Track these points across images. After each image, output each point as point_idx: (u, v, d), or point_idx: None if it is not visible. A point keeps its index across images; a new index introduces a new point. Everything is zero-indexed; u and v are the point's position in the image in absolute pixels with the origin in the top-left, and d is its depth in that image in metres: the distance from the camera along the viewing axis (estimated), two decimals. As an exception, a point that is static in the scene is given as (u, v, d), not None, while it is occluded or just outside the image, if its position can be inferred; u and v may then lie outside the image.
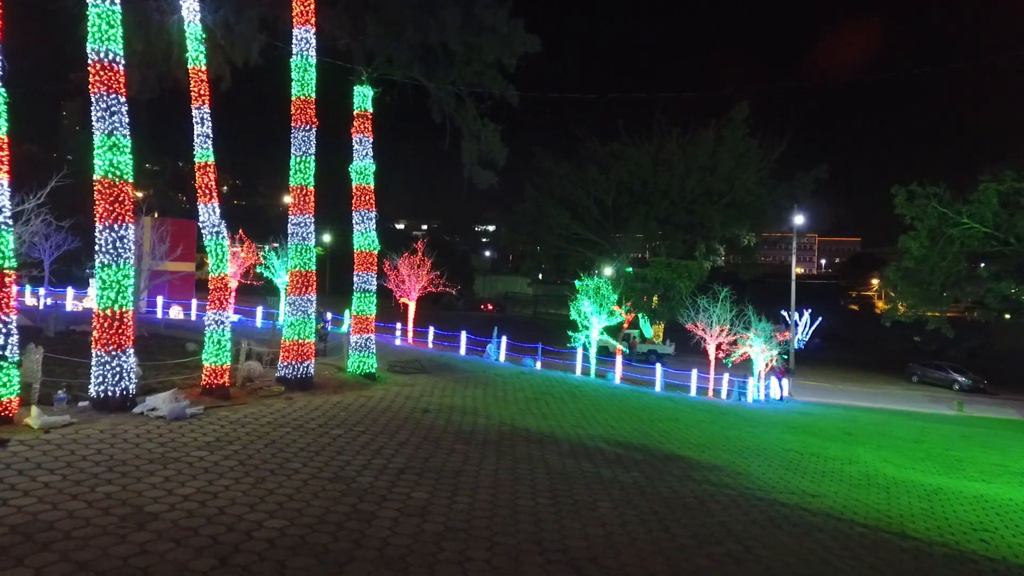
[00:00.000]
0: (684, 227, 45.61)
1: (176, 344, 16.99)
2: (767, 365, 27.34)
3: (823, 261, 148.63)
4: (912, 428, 21.03)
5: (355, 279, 16.35)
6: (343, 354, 16.38)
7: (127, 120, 10.51)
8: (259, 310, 25.31)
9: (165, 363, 13.98)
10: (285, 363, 13.63)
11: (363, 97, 16.37)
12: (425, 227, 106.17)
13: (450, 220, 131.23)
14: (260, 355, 15.77)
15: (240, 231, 27.57)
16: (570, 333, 23.84)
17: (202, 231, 12.33)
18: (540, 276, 79.78)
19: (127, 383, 10.15)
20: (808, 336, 46.82)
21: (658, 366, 23.57)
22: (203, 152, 12.39)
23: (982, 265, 30.21)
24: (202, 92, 12.47)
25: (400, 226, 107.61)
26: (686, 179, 44.43)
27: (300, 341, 13.69)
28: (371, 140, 16.41)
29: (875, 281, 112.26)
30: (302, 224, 13.94)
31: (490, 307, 69.74)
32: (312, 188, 14.08)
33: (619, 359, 24.11)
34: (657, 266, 28.79)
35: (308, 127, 13.95)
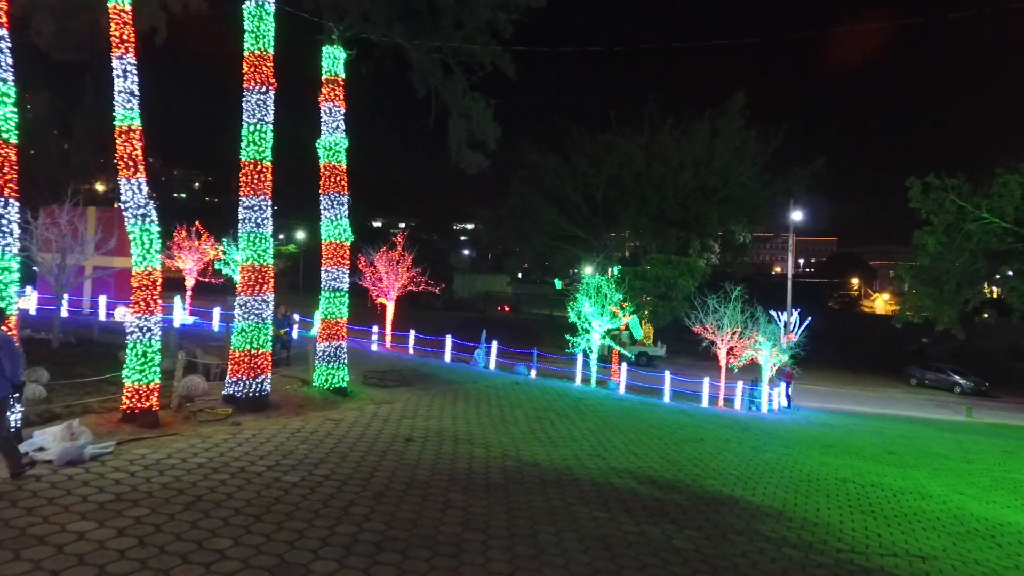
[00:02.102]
0: (678, 223, 43.43)
1: (108, 353, 14.26)
2: (775, 368, 25.22)
3: (800, 261, 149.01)
4: (947, 442, 19.03)
5: (323, 275, 13.80)
6: (309, 364, 13.81)
7: (10, 61, 7.89)
8: (216, 311, 22.51)
9: (84, 380, 11.33)
10: (234, 378, 11.07)
11: (333, 60, 13.82)
12: (403, 225, 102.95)
13: (428, 218, 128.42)
14: (208, 367, 13.16)
15: (197, 223, 24.72)
16: (569, 338, 21.43)
17: (124, 213, 9.72)
18: (519, 275, 77.17)
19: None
20: (799, 336, 45.31)
21: (667, 374, 21.27)
22: (125, 114, 9.74)
23: (1004, 264, 28.46)
24: (124, 38, 9.82)
25: (377, 224, 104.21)
26: (680, 173, 42.19)
27: (253, 351, 11.13)
28: (343, 111, 13.87)
29: (855, 280, 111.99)
30: (256, 207, 11.36)
31: (507, 308, 63.74)
32: (269, 164, 11.52)
33: (624, 366, 21.77)
34: (657, 263, 26.51)
35: (264, 89, 11.38)
